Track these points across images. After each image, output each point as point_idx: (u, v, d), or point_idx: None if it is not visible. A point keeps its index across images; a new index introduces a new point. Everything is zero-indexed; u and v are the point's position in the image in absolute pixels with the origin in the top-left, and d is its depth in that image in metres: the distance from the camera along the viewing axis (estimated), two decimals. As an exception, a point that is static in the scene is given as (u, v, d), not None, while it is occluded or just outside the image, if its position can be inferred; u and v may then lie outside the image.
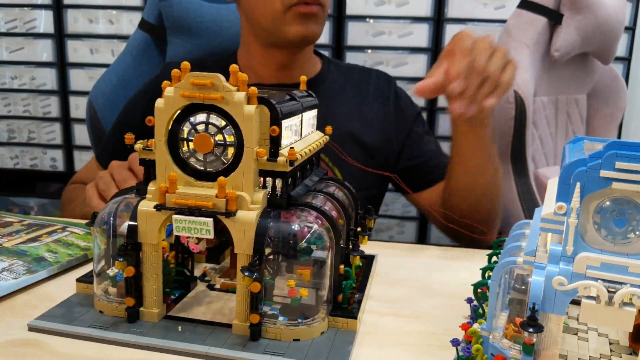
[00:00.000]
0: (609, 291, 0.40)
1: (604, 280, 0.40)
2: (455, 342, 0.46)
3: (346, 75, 1.13)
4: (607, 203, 0.41)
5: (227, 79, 0.50)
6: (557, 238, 0.42)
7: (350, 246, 0.59)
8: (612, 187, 0.40)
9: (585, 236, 0.41)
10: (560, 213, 0.41)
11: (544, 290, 0.41)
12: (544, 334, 0.41)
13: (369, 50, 1.68)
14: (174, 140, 0.52)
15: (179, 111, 0.52)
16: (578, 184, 0.40)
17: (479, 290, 0.54)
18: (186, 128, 0.52)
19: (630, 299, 0.39)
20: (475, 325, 0.46)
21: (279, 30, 0.98)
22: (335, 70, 1.14)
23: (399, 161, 1.09)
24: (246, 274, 0.48)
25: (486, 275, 0.57)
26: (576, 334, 0.52)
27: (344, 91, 1.10)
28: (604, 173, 0.40)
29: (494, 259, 0.60)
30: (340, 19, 1.72)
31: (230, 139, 0.51)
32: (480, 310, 0.53)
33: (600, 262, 0.40)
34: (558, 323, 0.41)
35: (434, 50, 1.70)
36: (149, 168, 0.54)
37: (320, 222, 0.53)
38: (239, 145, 0.51)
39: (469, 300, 0.55)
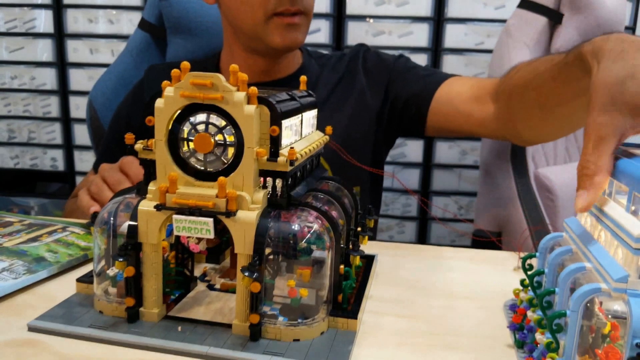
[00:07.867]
0: None
1: None
2: None
3: (324, 65, 1.13)
4: None
5: None
6: None
7: (350, 246, 0.59)
8: None
9: None
10: None
11: None
12: None
13: (369, 50, 1.68)
14: (174, 140, 0.52)
15: (179, 111, 0.52)
16: None
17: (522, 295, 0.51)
18: (186, 128, 0.52)
19: None
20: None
21: (260, 38, 0.97)
22: (315, 62, 1.14)
23: (393, 110, 1.07)
24: (246, 274, 0.48)
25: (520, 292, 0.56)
26: None
27: (324, 79, 1.10)
28: None
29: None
30: (340, 19, 1.72)
31: (230, 139, 0.51)
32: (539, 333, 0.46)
33: None
34: None
35: (434, 50, 1.70)
36: (149, 168, 0.54)
37: (320, 222, 0.53)
38: (239, 145, 0.51)
39: (513, 308, 0.52)
